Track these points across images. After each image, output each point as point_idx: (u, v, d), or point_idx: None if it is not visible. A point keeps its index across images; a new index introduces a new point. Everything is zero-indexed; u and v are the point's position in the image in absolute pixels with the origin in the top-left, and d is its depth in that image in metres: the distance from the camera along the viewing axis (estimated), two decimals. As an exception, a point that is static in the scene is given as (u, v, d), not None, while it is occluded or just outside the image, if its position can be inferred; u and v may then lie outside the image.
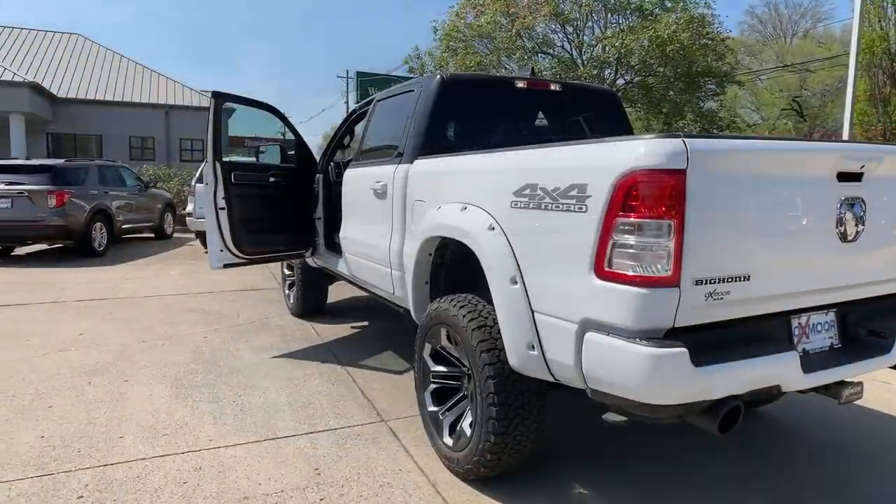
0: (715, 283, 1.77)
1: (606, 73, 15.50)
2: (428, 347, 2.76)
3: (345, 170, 4.14)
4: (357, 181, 3.84)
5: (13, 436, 2.92)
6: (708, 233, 1.76)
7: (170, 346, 4.48)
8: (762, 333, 1.93)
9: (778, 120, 27.65)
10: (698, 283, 1.75)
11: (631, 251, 1.75)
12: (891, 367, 2.21)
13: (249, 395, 3.47)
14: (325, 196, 4.61)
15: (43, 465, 2.63)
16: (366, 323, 5.28)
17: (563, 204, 1.94)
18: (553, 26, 15.75)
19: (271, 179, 4.46)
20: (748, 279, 1.83)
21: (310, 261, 4.87)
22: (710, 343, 1.78)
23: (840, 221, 2.01)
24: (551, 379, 2.10)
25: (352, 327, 5.12)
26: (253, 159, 4.87)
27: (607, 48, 14.81)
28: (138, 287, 6.87)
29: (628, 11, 14.50)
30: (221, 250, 4.16)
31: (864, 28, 12.18)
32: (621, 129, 3.74)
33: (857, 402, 2.30)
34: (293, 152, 4.77)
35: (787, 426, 3.19)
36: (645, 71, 14.79)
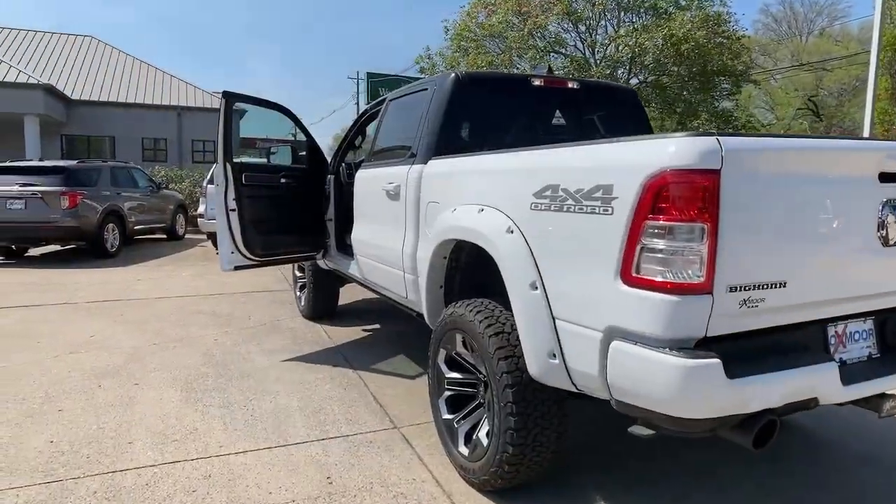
0: (749, 289, 1.68)
1: (620, 72, 15.33)
2: (442, 353, 2.68)
3: (356, 170, 4.07)
4: (369, 182, 3.77)
5: (22, 440, 2.89)
6: (743, 237, 1.67)
7: (180, 348, 4.44)
8: (797, 343, 1.83)
9: (793, 120, 27.27)
10: (732, 289, 1.66)
11: (660, 256, 1.66)
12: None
13: (260, 400, 3.42)
14: (337, 197, 4.55)
15: (51, 472, 2.58)
16: (377, 326, 5.21)
17: (586, 206, 1.85)
18: (565, 25, 15.62)
19: (282, 180, 4.41)
20: (784, 286, 1.73)
21: (321, 263, 4.81)
22: (743, 353, 1.69)
23: (882, 225, 1.90)
24: (573, 389, 2.01)
25: (363, 330, 5.05)
26: (264, 160, 4.81)
27: (621, 47, 14.64)
28: (150, 288, 6.86)
29: (642, 10, 14.33)
30: (232, 252, 4.12)
31: (886, 25, 11.93)
32: (641, 128, 3.64)
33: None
34: (304, 153, 4.71)
35: (822, 439, 3.05)
36: (659, 70, 14.60)
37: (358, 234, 3.98)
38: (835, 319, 1.93)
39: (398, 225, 3.26)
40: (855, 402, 1.92)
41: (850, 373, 1.86)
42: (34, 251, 9.88)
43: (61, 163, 9.43)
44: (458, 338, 2.53)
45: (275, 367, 4.02)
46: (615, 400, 1.82)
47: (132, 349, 4.39)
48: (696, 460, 2.75)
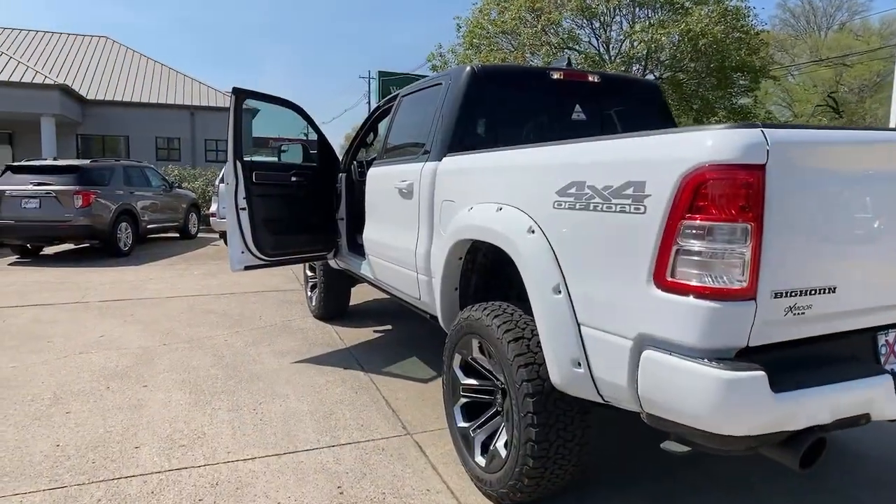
0: (796, 295, 1.54)
1: (635, 69, 15.08)
2: (458, 358, 2.56)
3: (368, 168, 3.97)
4: (381, 180, 3.66)
5: (29, 443, 2.82)
6: (789, 237, 1.53)
7: (190, 349, 4.37)
8: (846, 353, 1.69)
9: (812, 117, 26.75)
10: (777, 295, 1.52)
11: (698, 259, 1.52)
12: None
13: (270, 404, 3.33)
14: (348, 196, 4.45)
15: (56, 477, 2.51)
16: (389, 327, 5.11)
17: (616, 204, 1.72)
18: (579, 21, 15.39)
19: (293, 179, 4.31)
20: (833, 291, 1.59)
21: (332, 262, 4.72)
22: (788, 365, 1.55)
23: (940, 224, 1.75)
24: (599, 400, 1.88)
25: (375, 331, 4.95)
26: (274, 159, 4.73)
27: (636, 43, 14.40)
28: (161, 288, 6.82)
29: (658, 5, 14.06)
30: (242, 252, 4.04)
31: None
32: (665, 125, 3.48)
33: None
34: (315, 151, 4.62)
35: (857, 452, 2.89)
36: (675, 66, 14.34)
37: (370, 234, 3.87)
38: (886, 327, 1.78)
39: (411, 224, 3.15)
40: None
41: (904, 385, 1.71)
42: (48, 250, 9.93)
43: (75, 162, 9.45)
44: (475, 343, 2.41)
45: (285, 370, 3.93)
46: (646, 413, 1.69)
47: (142, 350, 4.33)
48: (727, 476, 2.60)
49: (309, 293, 5.50)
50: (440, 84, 3.24)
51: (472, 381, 2.51)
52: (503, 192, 2.29)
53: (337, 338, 4.73)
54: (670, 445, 1.68)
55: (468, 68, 3.08)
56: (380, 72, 21.96)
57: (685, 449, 1.63)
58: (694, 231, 1.53)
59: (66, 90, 18.20)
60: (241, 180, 3.95)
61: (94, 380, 3.69)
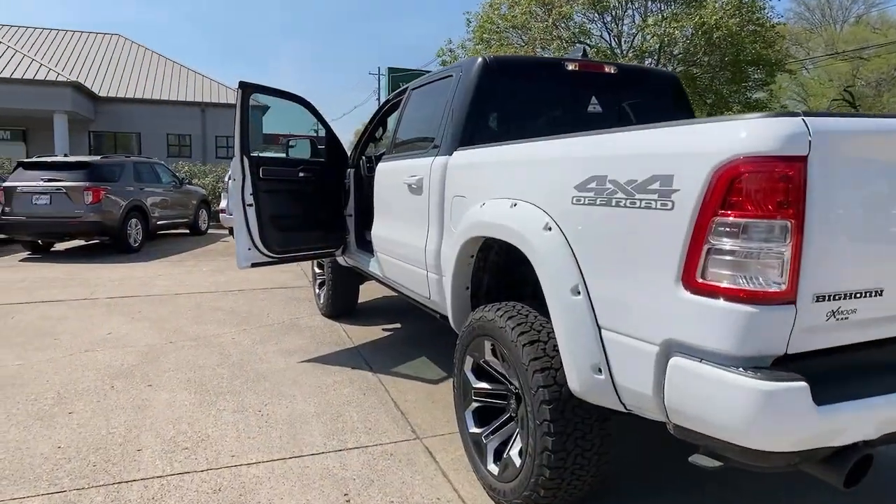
0: (840, 298, 1.42)
1: (647, 63, 14.85)
2: (469, 361, 2.46)
3: (377, 164, 3.87)
4: (390, 175, 3.56)
5: (30, 445, 2.76)
6: (833, 236, 1.41)
7: (197, 347, 4.31)
8: (892, 361, 1.55)
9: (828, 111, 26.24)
10: (819, 299, 1.40)
11: (732, 259, 1.40)
12: None
13: (276, 405, 3.24)
14: (357, 191, 4.36)
15: (55, 481, 2.44)
16: (398, 325, 5.01)
17: (640, 200, 1.60)
18: (591, 15, 15.17)
19: (301, 174, 4.22)
20: (880, 294, 1.46)
21: (340, 259, 4.63)
22: (831, 375, 1.43)
23: None
24: (621, 409, 1.77)
25: (384, 329, 4.86)
26: (282, 154, 4.65)
27: (648, 37, 14.16)
28: (170, 284, 6.78)
29: (671, -2, 13.82)
30: (249, 249, 3.95)
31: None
32: (684, 118, 3.35)
33: None
34: (323, 146, 4.53)
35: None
36: (688, 60, 14.08)
37: (378, 230, 3.78)
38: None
39: (421, 220, 3.04)
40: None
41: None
42: (59, 246, 9.95)
43: (85, 158, 9.45)
44: (487, 345, 2.30)
45: (292, 369, 3.85)
46: (673, 424, 1.58)
47: (148, 348, 4.27)
48: (753, 489, 2.47)
49: (317, 290, 5.42)
50: (451, 76, 3.12)
51: (485, 385, 2.40)
52: (517, 188, 2.18)
53: (345, 336, 4.65)
54: (699, 459, 1.56)
55: (480, 59, 2.96)
56: (389, 68, 21.86)
57: (716, 464, 1.51)
58: (727, 229, 1.41)
59: (78, 87, 18.31)
60: (248, 176, 3.86)
61: (99, 378, 3.63)
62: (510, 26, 15.46)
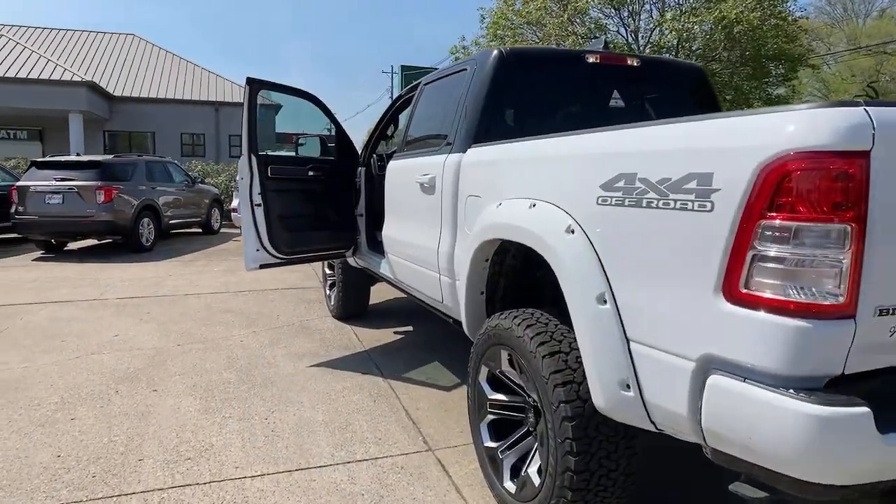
0: (906, 312, 1.25)
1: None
2: (484, 371, 2.32)
3: (388, 162, 3.74)
4: (401, 174, 3.43)
5: (29, 453, 2.67)
6: (899, 241, 1.24)
7: (204, 350, 4.22)
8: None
9: (850, 108, 25.59)
10: (882, 312, 1.24)
11: (781, 267, 1.25)
12: None
13: (283, 412, 3.13)
14: (368, 191, 4.24)
15: (53, 493, 2.35)
16: (410, 328, 4.89)
17: (674, 200, 1.45)
18: (607, 10, 14.90)
19: (310, 173, 4.11)
20: (950, 307, 1.29)
21: (351, 260, 4.52)
22: (893, 398, 1.27)
23: None
24: (651, 428, 1.62)
25: (395, 332, 4.74)
26: (292, 153, 4.54)
27: (666, 32, 13.86)
28: (180, 284, 6.73)
29: (690, -8, 13.49)
30: (257, 250, 3.85)
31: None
32: (711, 112, 3.17)
33: None
34: (333, 144, 4.41)
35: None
36: (707, 56, 13.76)
37: (389, 231, 3.65)
38: None
39: (433, 221, 2.91)
40: None
41: None
42: (72, 245, 9.97)
43: (97, 158, 9.45)
44: (504, 355, 2.16)
45: (300, 374, 3.74)
46: (711, 449, 1.43)
47: (155, 351, 4.19)
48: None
49: (327, 292, 5.32)
50: (465, 70, 2.98)
51: (501, 397, 2.26)
52: (537, 187, 2.04)
53: (356, 339, 4.53)
54: (741, 488, 1.40)
55: (495, 52, 2.82)
56: (402, 66, 21.77)
57: (760, 494, 1.36)
58: (775, 233, 1.26)
59: (93, 87, 18.44)
60: (256, 175, 3.76)
61: (104, 383, 3.55)
62: (524, 22, 15.24)
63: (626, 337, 1.61)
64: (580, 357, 1.79)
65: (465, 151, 2.70)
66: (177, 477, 2.47)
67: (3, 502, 2.28)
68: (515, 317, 2.08)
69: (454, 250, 2.71)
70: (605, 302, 1.65)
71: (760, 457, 1.31)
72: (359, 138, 5.02)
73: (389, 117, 4.39)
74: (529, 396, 2.06)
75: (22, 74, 17.20)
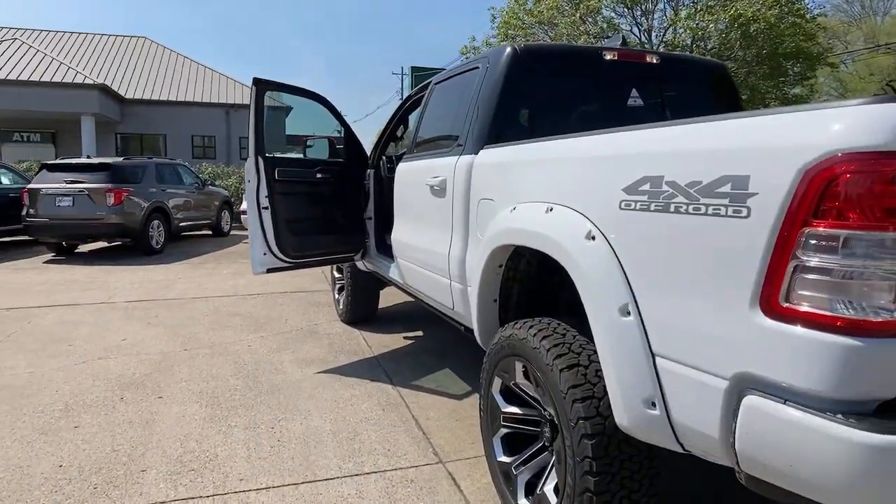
0: (967, 330, 1.13)
1: (677, 58, 14.32)
2: (497, 382, 2.22)
3: (397, 164, 3.65)
4: (410, 176, 3.34)
5: (31, 462, 2.61)
6: (960, 252, 1.12)
7: (211, 356, 4.15)
8: None
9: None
10: (941, 330, 1.12)
11: (828, 279, 1.14)
12: None
13: (290, 421, 3.05)
14: (377, 193, 4.16)
15: (53, 505, 2.28)
16: (420, 333, 4.79)
17: (705, 205, 1.34)
18: (619, 10, 14.73)
19: (318, 176, 4.03)
20: None
21: (360, 264, 4.43)
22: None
23: None
24: (678, 449, 1.51)
25: (404, 337, 4.64)
26: (299, 155, 4.47)
27: (680, 31, 13.66)
28: (189, 288, 6.69)
29: (705, -11, 13.26)
30: (264, 254, 3.77)
31: None
32: (733, 111, 3.05)
33: None
34: (342, 146, 4.34)
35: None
36: (723, 55, 13.53)
37: (398, 235, 3.56)
38: None
39: (444, 225, 2.81)
40: None
41: None
42: (83, 247, 10.00)
43: (107, 160, 9.46)
44: (519, 366, 2.06)
45: (308, 381, 3.65)
46: (745, 475, 1.32)
47: (161, 356, 4.13)
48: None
49: (336, 296, 5.24)
50: (477, 68, 2.88)
51: (515, 410, 2.16)
52: (554, 190, 1.93)
53: (364, 345, 4.45)
54: (779, 519, 1.29)
55: (509, 48, 2.71)
56: (412, 67, 21.73)
57: (801, 527, 1.25)
58: (821, 242, 1.15)
59: (105, 90, 18.57)
60: (263, 177, 3.69)
61: (109, 389, 3.49)
62: (536, 22, 15.10)
63: (651, 352, 1.50)
64: (600, 371, 1.69)
65: (476, 153, 2.60)
66: (180, 489, 2.39)
67: (2, 515, 2.22)
68: (531, 327, 1.98)
69: (465, 255, 2.62)
70: (629, 314, 1.54)
71: (802, 486, 1.20)
72: (369, 140, 4.95)
73: (399, 118, 4.30)
74: (545, 410, 1.96)
75: (35, 77, 17.37)
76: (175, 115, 21.07)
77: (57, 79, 17.54)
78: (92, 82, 17.88)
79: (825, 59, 15.29)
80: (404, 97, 4.37)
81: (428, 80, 3.68)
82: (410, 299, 5.30)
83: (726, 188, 1.30)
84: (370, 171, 4.23)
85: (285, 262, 3.85)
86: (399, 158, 3.75)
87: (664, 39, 14.43)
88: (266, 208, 3.72)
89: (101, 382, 3.61)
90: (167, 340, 4.53)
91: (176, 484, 2.44)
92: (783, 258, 1.19)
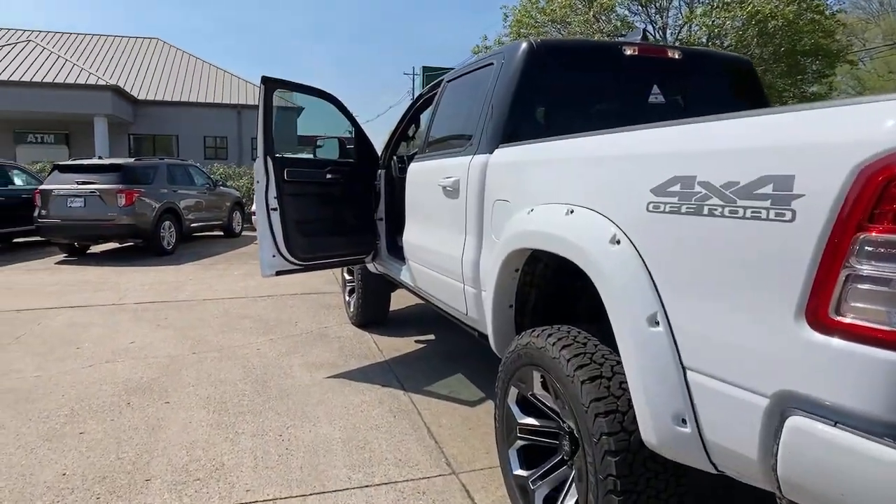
0: None
1: (692, 56, 14.09)
2: (514, 392, 2.12)
3: (409, 164, 3.56)
4: (422, 176, 3.25)
5: (34, 470, 2.56)
6: None
7: (220, 359, 4.09)
8: None
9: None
10: None
11: (886, 290, 1.03)
12: None
13: (298, 428, 2.97)
14: (388, 194, 4.08)
15: (56, 516, 2.22)
16: (432, 336, 4.70)
17: (744, 208, 1.23)
18: (634, 7, 14.56)
19: (328, 176, 3.96)
20: None
21: (370, 266, 4.35)
22: None
23: None
24: (711, 469, 1.41)
25: (416, 341, 4.56)
26: (309, 155, 4.40)
27: (696, 29, 13.45)
28: (199, 289, 6.65)
29: (721, -14, 13.03)
30: (273, 256, 3.71)
31: None
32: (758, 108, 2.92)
33: None
34: (353, 146, 4.26)
35: None
36: (739, 52, 13.29)
37: (410, 237, 3.47)
38: None
39: (457, 227, 2.72)
40: None
41: None
42: (95, 248, 10.03)
43: (118, 161, 9.48)
44: (536, 376, 1.96)
45: (318, 386, 3.58)
46: (787, 501, 1.21)
47: (169, 359, 4.08)
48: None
49: (347, 298, 5.16)
50: (491, 64, 2.78)
51: (532, 421, 2.06)
52: (575, 191, 1.83)
53: (375, 349, 4.36)
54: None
55: (525, 44, 2.61)
56: (424, 67, 21.67)
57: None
58: (878, 249, 1.04)
59: (118, 91, 18.71)
60: (273, 178, 3.62)
61: (116, 393, 3.44)
62: (549, 20, 14.96)
63: (681, 365, 1.39)
64: (624, 383, 1.58)
65: (491, 152, 2.50)
66: (184, 500, 2.32)
67: (3, 525, 2.16)
68: (550, 335, 1.88)
69: (480, 259, 2.52)
70: (658, 324, 1.44)
71: (855, 517, 1.09)
72: (380, 140, 4.87)
73: (410, 117, 4.22)
74: (565, 423, 1.85)
75: (49, 79, 17.54)
76: (187, 115, 21.18)
77: (70, 80, 17.70)
78: (105, 83, 18.03)
79: (845, 57, 14.98)
80: (416, 96, 4.28)
81: (440, 78, 3.59)
82: (422, 301, 5.22)
83: (767, 189, 1.19)
84: (381, 172, 4.15)
85: (295, 264, 3.78)
86: (411, 158, 3.66)
87: (679, 37, 14.22)
88: (275, 209, 3.65)
89: (107, 387, 3.56)
90: (176, 343, 4.48)
91: (181, 494, 2.37)
92: (834, 267, 1.08)
